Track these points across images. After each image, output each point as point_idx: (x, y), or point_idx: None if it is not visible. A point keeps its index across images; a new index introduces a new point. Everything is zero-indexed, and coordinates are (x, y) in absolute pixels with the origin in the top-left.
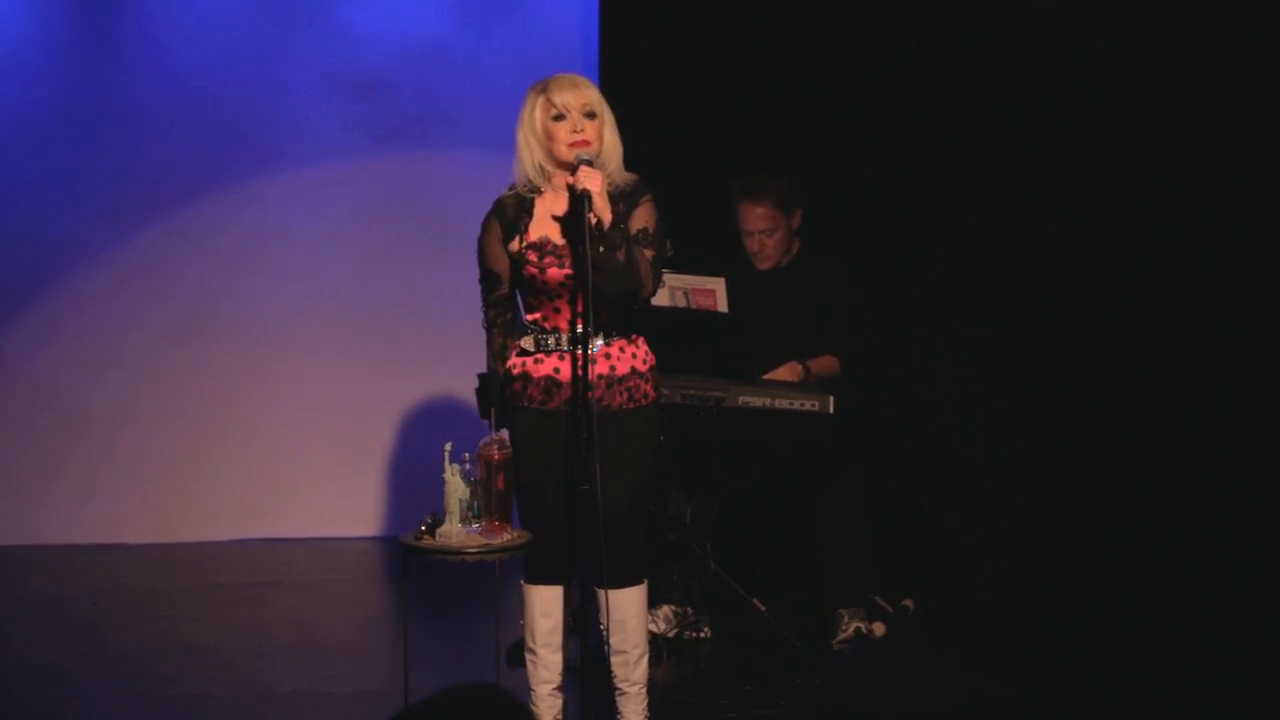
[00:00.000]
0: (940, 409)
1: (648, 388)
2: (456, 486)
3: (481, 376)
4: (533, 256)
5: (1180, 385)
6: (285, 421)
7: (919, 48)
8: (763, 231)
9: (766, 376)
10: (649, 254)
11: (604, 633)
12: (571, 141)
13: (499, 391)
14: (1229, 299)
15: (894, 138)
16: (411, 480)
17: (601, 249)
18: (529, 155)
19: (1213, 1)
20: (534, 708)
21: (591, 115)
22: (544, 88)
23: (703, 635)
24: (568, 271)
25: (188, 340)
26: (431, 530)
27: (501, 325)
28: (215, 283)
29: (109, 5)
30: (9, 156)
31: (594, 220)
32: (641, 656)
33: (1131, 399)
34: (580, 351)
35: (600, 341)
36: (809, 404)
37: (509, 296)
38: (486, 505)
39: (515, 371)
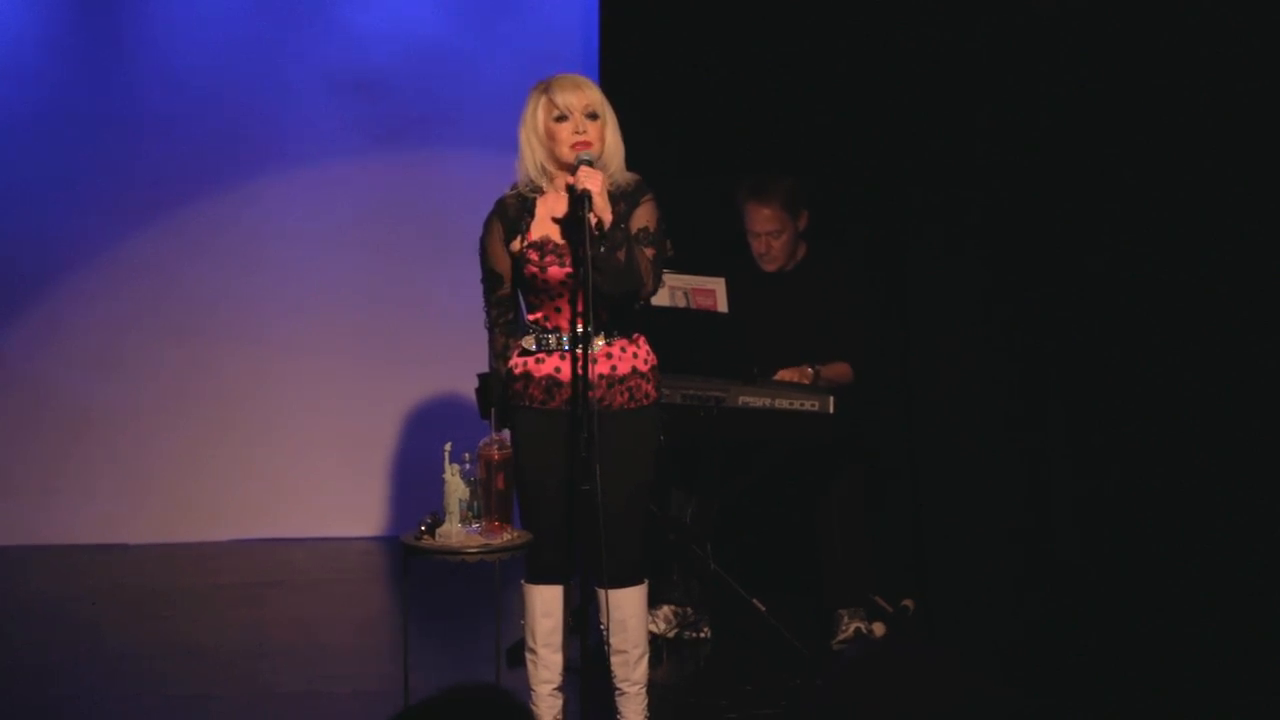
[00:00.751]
0: (940, 409)
1: (649, 388)
2: (456, 486)
3: (482, 376)
4: (533, 256)
5: (1180, 385)
6: (285, 421)
7: (919, 48)
8: (769, 233)
9: (776, 377)
10: (649, 253)
11: (604, 633)
12: (573, 143)
13: (501, 391)
14: (1229, 299)
15: (894, 138)
16: (411, 480)
17: (602, 249)
18: (531, 155)
19: (1213, 1)
20: (534, 708)
21: (594, 116)
22: (546, 88)
23: (703, 635)
24: (568, 271)
25: (188, 340)
26: (431, 530)
27: (503, 325)
28: (215, 283)
29: (109, 5)
30: (9, 156)
31: (594, 220)
32: (642, 656)
33: (1131, 399)
34: (581, 351)
35: (601, 341)
36: (809, 404)
37: (511, 296)
38: (486, 505)
39: (517, 371)
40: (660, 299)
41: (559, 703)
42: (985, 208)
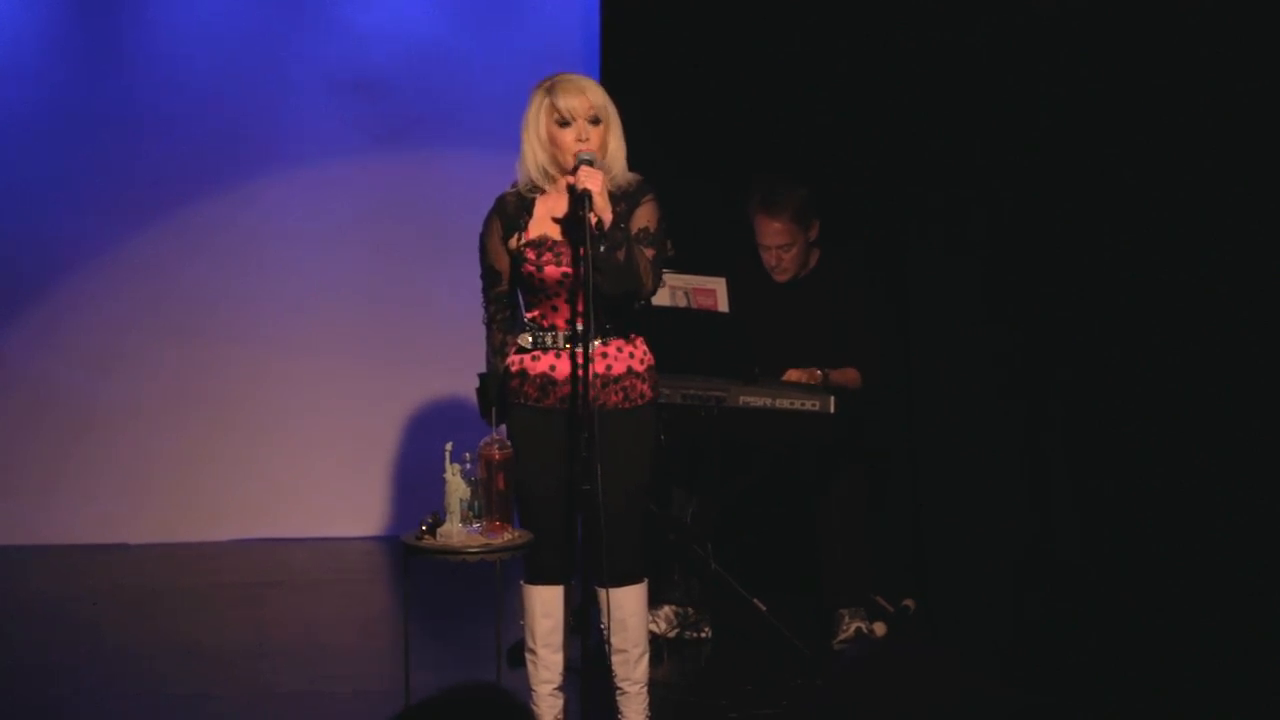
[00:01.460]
0: (940, 409)
1: (644, 388)
2: (457, 486)
3: (482, 376)
4: (531, 254)
5: (1180, 385)
6: (285, 421)
7: (919, 48)
8: (780, 246)
9: (785, 378)
10: (649, 253)
11: (604, 632)
12: (575, 151)
13: (498, 388)
14: (1229, 299)
15: (894, 138)
16: (412, 480)
17: (602, 248)
18: (532, 157)
19: (1213, 1)
20: (535, 708)
21: (596, 121)
22: (549, 89)
23: (703, 635)
24: (565, 270)
25: (188, 340)
26: (432, 530)
27: (501, 322)
28: (215, 283)
29: (109, 5)
30: (9, 156)
31: (594, 220)
32: (642, 656)
33: (1131, 399)
34: (579, 350)
35: (598, 341)
36: (809, 404)
37: (510, 293)
38: (487, 505)
39: (513, 369)
40: (660, 299)
41: (559, 703)
42: (986, 208)
